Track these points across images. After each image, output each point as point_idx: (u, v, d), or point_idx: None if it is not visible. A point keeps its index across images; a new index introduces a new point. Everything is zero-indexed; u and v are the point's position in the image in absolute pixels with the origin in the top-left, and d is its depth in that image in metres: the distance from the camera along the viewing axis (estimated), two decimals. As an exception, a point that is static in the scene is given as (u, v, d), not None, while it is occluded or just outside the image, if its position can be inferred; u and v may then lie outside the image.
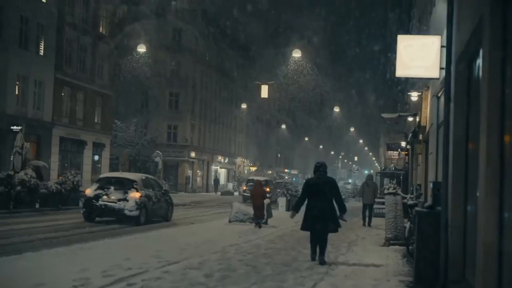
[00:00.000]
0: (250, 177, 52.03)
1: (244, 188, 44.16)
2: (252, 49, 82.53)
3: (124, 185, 20.38)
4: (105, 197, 19.99)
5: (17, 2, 33.99)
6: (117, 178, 21.57)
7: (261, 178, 42.98)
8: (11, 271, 9.30)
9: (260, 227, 19.59)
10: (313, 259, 11.78)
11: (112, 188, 20.29)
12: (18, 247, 12.61)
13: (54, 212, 24.21)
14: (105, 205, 19.84)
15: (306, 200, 11.92)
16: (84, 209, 20.45)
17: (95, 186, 20.95)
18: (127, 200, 19.80)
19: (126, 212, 19.62)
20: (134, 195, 19.92)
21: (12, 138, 29.16)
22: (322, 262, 11.45)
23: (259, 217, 19.94)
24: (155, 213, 21.37)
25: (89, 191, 20.64)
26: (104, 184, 20.70)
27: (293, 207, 12.54)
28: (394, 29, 41.40)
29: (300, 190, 13.49)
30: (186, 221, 22.82)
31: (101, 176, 23.43)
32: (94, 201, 19.99)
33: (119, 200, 19.83)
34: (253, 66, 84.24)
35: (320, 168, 11.87)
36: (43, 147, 37.31)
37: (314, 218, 11.56)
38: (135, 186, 20.34)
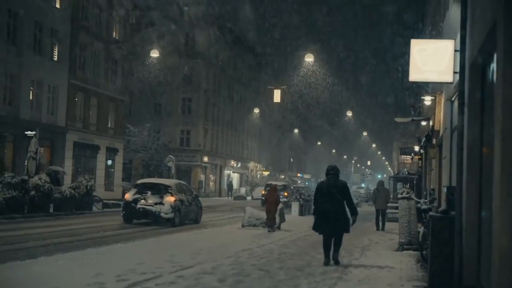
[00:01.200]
0: (269, 182, 52.58)
1: (263, 192, 44.48)
2: (264, 54, 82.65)
3: (160, 190, 22.35)
4: (143, 201, 21.87)
5: (32, 8, 34.22)
6: (153, 183, 23.68)
7: (279, 183, 43.36)
8: (26, 276, 9.35)
9: (273, 231, 19.66)
10: (326, 263, 11.84)
11: (149, 193, 22.17)
12: (33, 252, 12.69)
13: (68, 217, 24.38)
14: (143, 208, 21.71)
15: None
16: (123, 212, 22.21)
17: (133, 191, 22.91)
18: (163, 204, 21.59)
19: (162, 214, 21.43)
20: (169, 199, 21.80)
21: (26, 143, 29.37)
22: (335, 258, 11.89)
23: (271, 223, 20.05)
24: (187, 216, 23.07)
25: (128, 196, 22.54)
26: (142, 189, 22.66)
27: (313, 212, 12.63)
28: (407, 33, 41.28)
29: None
30: (199, 225, 22.87)
31: (139, 181, 25.19)
32: (133, 204, 21.87)
33: (156, 203, 21.64)
34: (265, 71, 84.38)
35: (332, 171, 12.11)
36: (57, 152, 37.49)
37: (326, 220, 11.81)
38: (170, 191, 22.30)
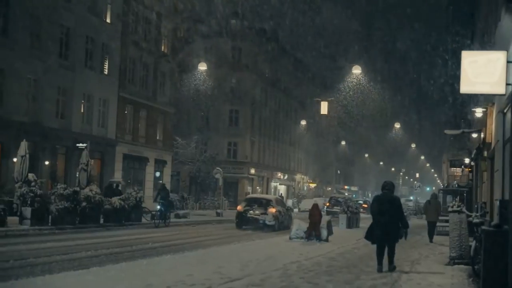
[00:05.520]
0: (333, 195, 64.41)
1: (327, 204, 53.00)
2: (311, 65, 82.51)
3: (264, 203, 28.68)
4: (251, 211, 27.98)
5: (83, 23, 35.06)
6: (258, 198, 31.26)
7: (341, 196, 55.98)
8: (79, 286, 9.51)
9: (320, 241, 19.84)
10: (379, 270, 12.54)
11: (256, 205, 28.45)
12: (85, 262, 12.96)
13: (117, 228, 24.72)
14: (252, 217, 27.83)
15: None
16: (237, 220, 28.41)
17: (243, 203, 29.38)
18: (267, 214, 27.54)
19: (267, 222, 27.34)
20: (271, 210, 27.75)
21: (77, 155, 29.99)
22: (391, 269, 12.72)
23: (316, 235, 20.29)
24: (282, 223, 28.23)
25: (240, 208, 28.80)
26: (250, 202, 29.24)
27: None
28: (457, 44, 40.65)
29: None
30: (246, 237, 22.94)
31: (247, 196, 32.84)
32: (244, 214, 28.07)
33: (261, 213, 27.69)
34: (312, 82, 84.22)
35: (386, 187, 13.04)
36: (107, 164, 38.18)
37: (378, 232, 12.68)
38: (271, 204, 28.54)
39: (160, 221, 27.25)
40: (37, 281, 9.86)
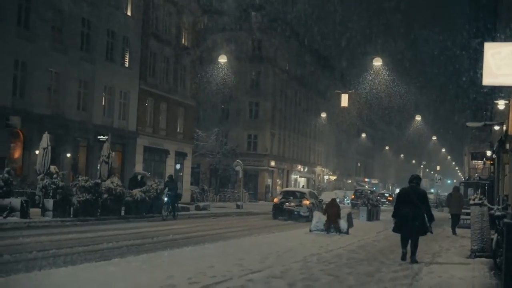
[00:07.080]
0: (357, 188, 67.24)
1: (352, 197, 54.16)
2: (332, 58, 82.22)
3: (298, 196, 31.20)
4: (287, 203, 30.37)
5: (104, 16, 35.25)
6: (293, 191, 34.07)
7: (366, 188, 59.40)
8: (101, 277, 9.58)
9: (339, 233, 19.77)
10: (402, 259, 13.15)
11: (291, 197, 31.03)
12: (107, 253, 13.06)
13: (138, 220, 24.85)
14: (288, 208, 30.15)
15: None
16: (273, 211, 30.94)
17: (280, 196, 32.22)
18: (301, 206, 29.86)
19: (301, 213, 29.58)
20: (306, 202, 30.11)
21: (99, 148, 30.22)
22: (414, 261, 12.95)
23: (335, 227, 20.36)
24: None
25: (277, 200, 31.74)
26: (286, 195, 31.80)
27: (392, 215, 13.88)
28: (479, 35, 40.22)
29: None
30: (266, 230, 22.93)
31: (283, 190, 36.06)
32: (280, 206, 30.52)
33: (296, 205, 30.06)
34: (333, 75, 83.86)
35: (414, 180, 13.51)
36: (128, 156, 38.39)
37: (404, 223, 13.06)
38: (305, 196, 30.96)
39: (168, 213, 26.53)
40: (59, 272, 9.95)
